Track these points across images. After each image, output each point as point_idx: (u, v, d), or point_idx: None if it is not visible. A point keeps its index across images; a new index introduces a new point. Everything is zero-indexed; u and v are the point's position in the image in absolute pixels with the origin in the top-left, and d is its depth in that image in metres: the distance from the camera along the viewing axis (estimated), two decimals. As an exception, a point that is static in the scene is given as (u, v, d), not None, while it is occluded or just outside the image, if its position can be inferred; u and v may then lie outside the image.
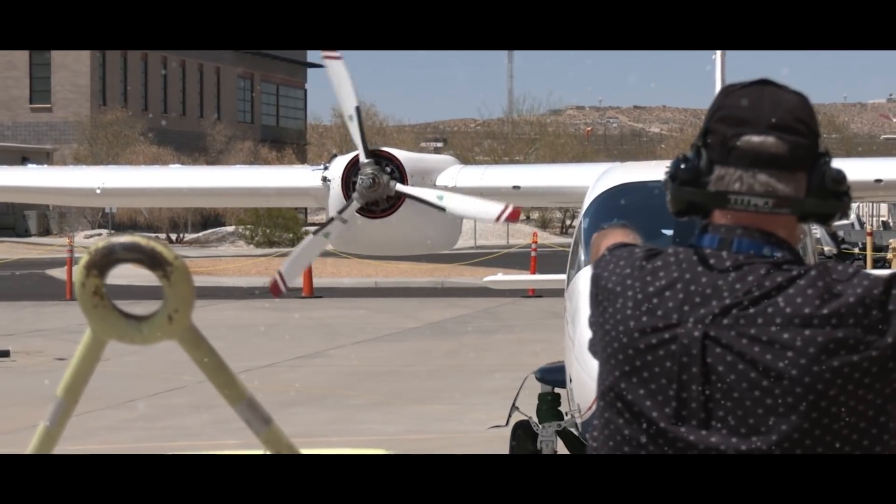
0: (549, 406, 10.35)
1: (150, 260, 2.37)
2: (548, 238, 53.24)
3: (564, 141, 78.33)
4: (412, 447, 12.32)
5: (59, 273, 35.41)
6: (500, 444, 10.29)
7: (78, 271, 2.41)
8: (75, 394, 2.47)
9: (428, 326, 24.29)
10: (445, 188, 10.14)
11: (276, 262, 39.08)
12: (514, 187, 10.64)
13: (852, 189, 2.84)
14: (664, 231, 8.18)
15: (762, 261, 2.74)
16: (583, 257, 8.46)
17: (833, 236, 39.00)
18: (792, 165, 2.77)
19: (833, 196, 2.79)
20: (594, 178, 9.42)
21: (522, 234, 56.69)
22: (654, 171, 8.95)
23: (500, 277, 18.77)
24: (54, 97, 70.31)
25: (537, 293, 28.44)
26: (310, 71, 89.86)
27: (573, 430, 9.40)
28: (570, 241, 9.54)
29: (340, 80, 9.58)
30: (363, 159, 9.66)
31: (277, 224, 54.33)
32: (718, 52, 14.22)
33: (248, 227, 56.21)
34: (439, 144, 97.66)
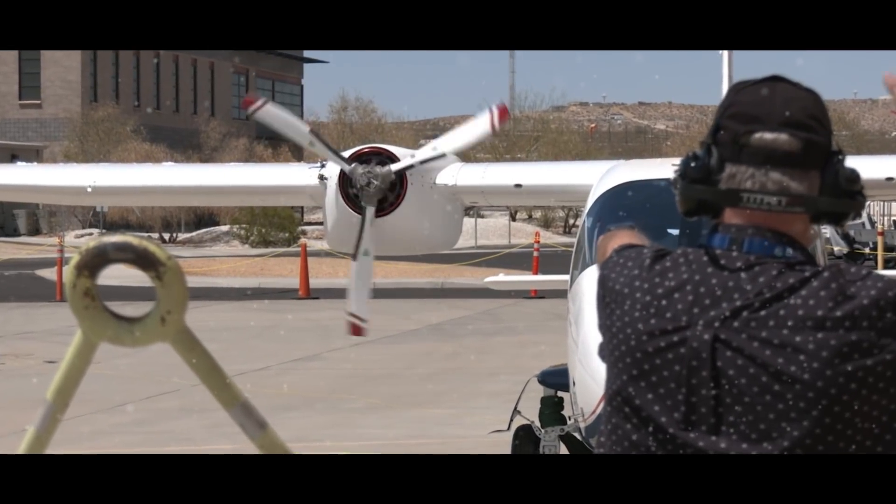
0: (552, 410, 10.35)
1: (143, 260, 2.37)
2: (550, 238, 53.26)
3: (567, 138, 78.32)
4: (411, 452, 12.32)
5: (49, 273, 35.40)
6: (501, 448, 10.29)
7: (68, 272, 2.40)
8: (65, 397, 2.46)
9: (427, 328, 24.29)
10: (446, 186, 10.14)
11: (272, 263, 39.26)
12: (516, 186, 10.63)
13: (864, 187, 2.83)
14: (670, 230, 8.17)
15: (774, 261, 2.73)
16: (586, 257, 8.45)
17: (845, 236, 39.02)
18: (805, 163, 2.76)
19: (847, 195, 2.78)
20: (598, 177, 9.41)
21: (524, 234, 56.72)
22: (660, 168, 8.94)
23: (501, 278, 18.77)
24: (44, 93, 70.31)
25: (540, 294, 28.45)
26: (306, 66, 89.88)
27: (576, 434, 9.40)
28: (574, 240, 9.53)
29: (279, 120, 9.56)
30: (347, 168, 9.66)
31: (273, 223, 54.32)
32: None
33: (243, 226, 56.21)
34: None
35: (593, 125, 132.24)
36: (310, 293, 30.31)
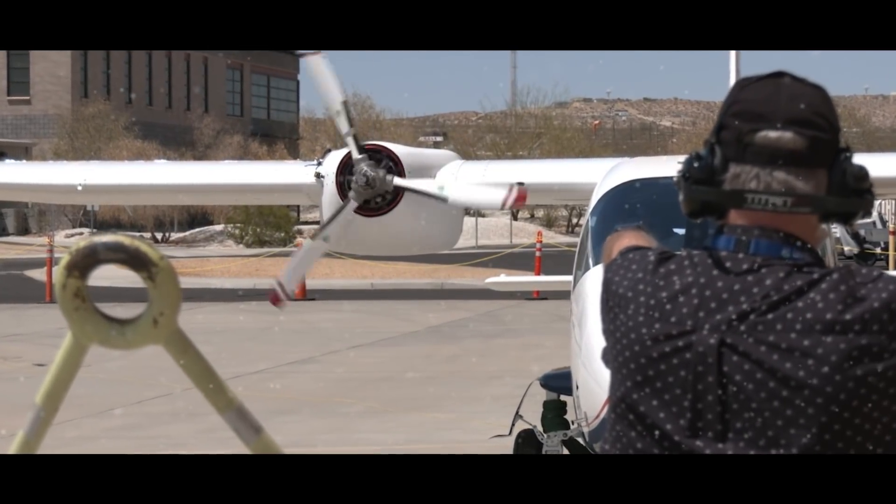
0: (555, 414, 10.35)
1: (135, 260, 2.37)
2: (553, 237, 53.25)
3: (571, 135, 78.30)
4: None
5: (39, 274, 35.40)
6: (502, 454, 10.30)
7: (58, 272, 2.41)
8: (55, 401, 2.47)
9: (427, 330, 24.28)
10: (445, 185, 10.13)
11: (267, 263, 39.26)
12: (518, 184, 10.62)
13: (874, 186, 2.83)
14: (676, 230, 8.18)
15: (781, 263, 2.72)
16: (590, 257, 8.45)
17: (855, 235, 39.01)
18: (811, 162, 2.75)
19: (855, 194, 2.77)
20: (602, 174, 9.41)
21: (526, 234, 56.70)
22: (666, 166, 8.93)
23: (503, 279, 18.78)
24: (33, 89, 70.29)
25: (542, 295, 28.44)
26: (302, 61, 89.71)
27: (580, 439, 9.40)
28: (577, 240, 9.53)
29: (322, 77, 9.59)
30: (356, 155, 9.64)
31: (268, 223, 54.34)
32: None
33: (238, 225, 56.21)
34: (439, 139, 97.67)
35: (597, 122, 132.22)
36: (306, 294, 30.30)
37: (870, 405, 2.63)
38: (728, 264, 2.75)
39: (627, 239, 3.12)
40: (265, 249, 48.41)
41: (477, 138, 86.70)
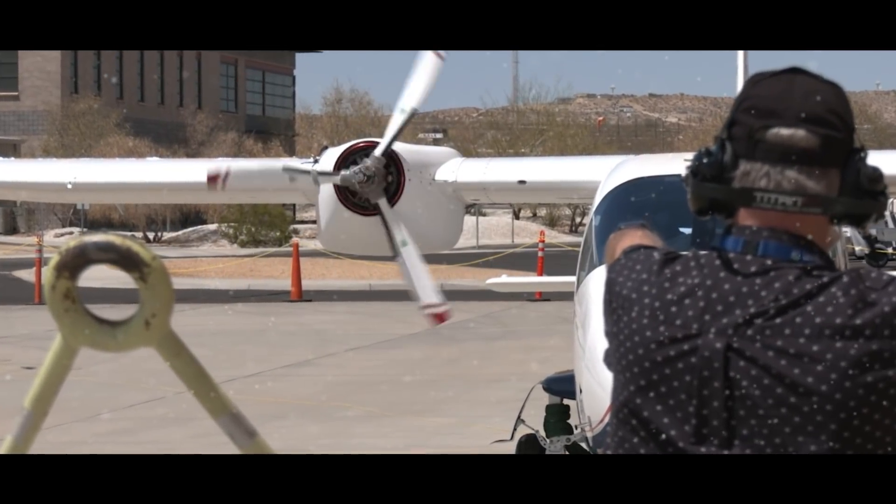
0: (558, 418, 10.36)
1: (126, 260, 2.37)
2: (556, 237, 53.24)
3: (574, 132, 78.26)
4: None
5: (27, 275, 35.40)
6: (504, 460, 10.28)
7: (47, 273, 2.41)
8: (44, 405, 2.46)
9: (426, 332, 24.25)
10: (445, 182, 10.14)
11: (262, 263, 39.26)
12: (520, 182, 10.63)
13: (887, 185, 2.82)
14: (682, 230, 8.18)
15: (790, 266, 2.71)
16: (594, 257, 8.46)
17: (866, 236, 38.97)
18: (824, 161, 2.74)
19: (868, 195, 2.75)
20: (606, 172, 9.41)
21: (529, 233, 56.73)
22: (671, 164, 8.94)
23: (504, 279, 18.78)
24: (22, 84, 70.27)
25: (545, 296, 28.43)
26: (298, 56, 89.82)
27: (583, 444, 9.40)
28: (580, 240, 9.54)
29: (425, 76, 9.65)
30: (377, 153, 9.62)
31: (263, 222, 54.33)
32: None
33: (232, 224, 56.22)
34: (438, 135, 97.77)
35: (601, 118, 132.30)
36: (302, 295, 30.30)
37: (880, 412, 2.62)
38: (736, 266, 2.73)
39: (631, 238, 3.11)
40: (260, 249, 48.41)
41: (477, 135, 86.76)
